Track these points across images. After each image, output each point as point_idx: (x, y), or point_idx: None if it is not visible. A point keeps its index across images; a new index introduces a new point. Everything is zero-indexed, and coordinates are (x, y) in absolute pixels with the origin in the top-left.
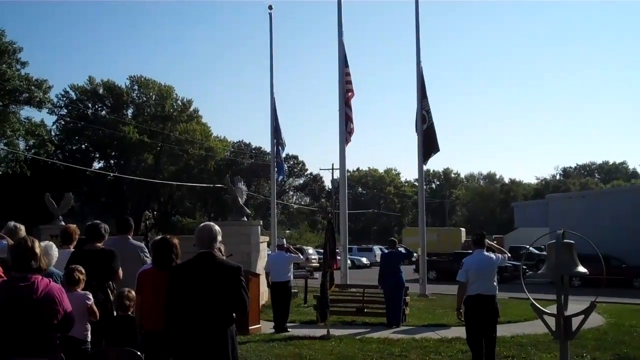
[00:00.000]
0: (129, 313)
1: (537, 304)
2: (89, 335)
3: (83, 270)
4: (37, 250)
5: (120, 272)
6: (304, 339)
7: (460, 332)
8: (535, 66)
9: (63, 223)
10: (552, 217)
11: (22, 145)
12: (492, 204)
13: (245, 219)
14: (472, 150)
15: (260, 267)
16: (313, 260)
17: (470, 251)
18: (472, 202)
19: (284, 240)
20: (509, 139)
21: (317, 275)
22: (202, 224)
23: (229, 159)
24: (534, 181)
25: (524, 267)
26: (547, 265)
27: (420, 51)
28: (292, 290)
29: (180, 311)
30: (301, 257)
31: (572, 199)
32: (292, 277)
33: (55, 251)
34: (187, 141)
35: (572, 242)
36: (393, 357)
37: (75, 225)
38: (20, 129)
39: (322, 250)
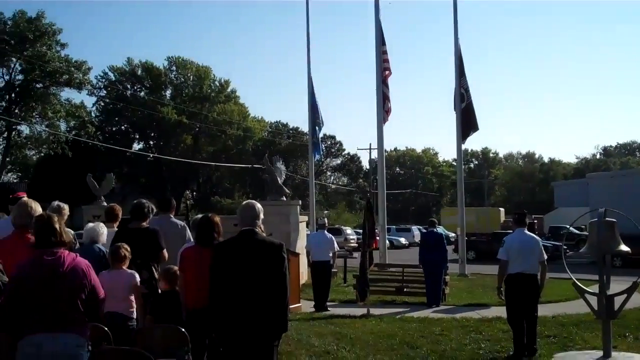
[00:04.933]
0: (175, 289)
1: (579, 283)
2: (135, 312)
3: (128, 248)
4: (56, 225)
5: (165, 251)
6: (344, 317)
7: (500, 311)
8: (576, 43)
9: (105, 203)
10: (592, 196)
11: (63, 126)
12: (531, 183)
13: (285, 199)
14: (511, 130)
15: (300, 246)
16: (351, 240)
17: (511, 230)
18: (511, 182)
19: (326, 219)
20: (549, 118)
21: (356, 255)
22: (244, 202)
23: (266, 140)
24: (573, 160)
25: (565, 247)
26: (588, 244)
27: (458, 28)
28: (333, 270)
29: (224, 288)
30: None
31: (613, 178)
32: (332, 256)
33: (104, 230)
34: (225, 122)
35: (614, 220)
36: (433, 336)
37: (118, 206)
38: (61, 110)
39: (360, 230)
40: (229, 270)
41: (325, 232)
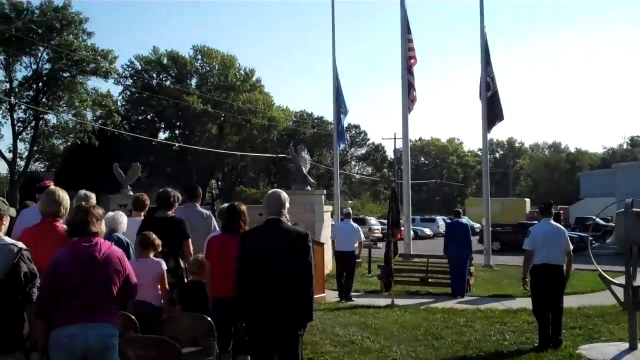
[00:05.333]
0: (201, 279)
1: (605, 275)
2: (161, 300)
3: (155, 237)
4: (95, 215)
5: (190, 241)
6: (369, 308)
7: (525, 303)
8: (602, 32)
9: (131, 192)
10: (619, 187)
11: (89, 115)
12: (557, 173)
13: (309, 188)
14: (537, 119)
15: (325, 236)
16: (376, 231)
17: (536, 221)
18: (537, 172)
19: (350, 209)
20: (575, 108)
21: (380, 245)
22: (270, 191)
23: (291, 129)
24: (600, 151)
25: (591, 238)
26: (615, 235)
27: (484, 16)
28: (357, 260)
29: (250, 277)
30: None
31: None
32: (358, 246)
33: (124, 219)
34: (250, 111)
35: None
36: (458, 327)
37: (146, 195)
38: (88, 99)
39: (384, 221)
40: (254, 258)
41: (351, 221)
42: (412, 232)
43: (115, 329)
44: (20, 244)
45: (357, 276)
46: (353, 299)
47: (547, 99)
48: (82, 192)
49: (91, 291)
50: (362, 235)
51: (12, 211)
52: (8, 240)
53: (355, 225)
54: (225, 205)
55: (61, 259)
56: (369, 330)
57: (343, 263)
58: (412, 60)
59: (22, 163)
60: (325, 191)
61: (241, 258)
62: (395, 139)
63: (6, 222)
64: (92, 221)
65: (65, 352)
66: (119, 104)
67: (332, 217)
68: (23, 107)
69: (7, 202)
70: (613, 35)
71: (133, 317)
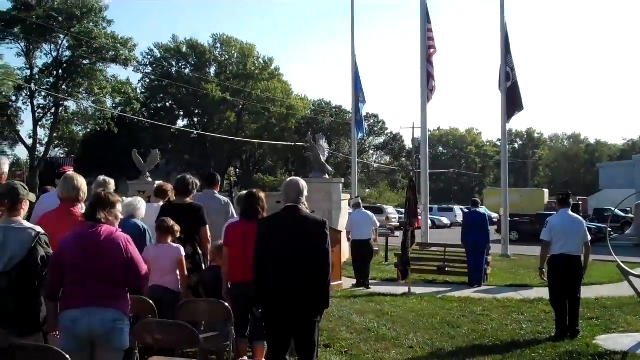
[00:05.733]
0: (219, 265)
1: (623, 266)
2: (179, 286)
3: (174, 223)
4: (107, 202)
5: (208, 227)
6: (385, 296)
7: (543, 293)
8: (622, 22)
9: (150, 179)
10: (638, 178)
11: (109, 102)
12: (576, 164)
13: (327, 177)
14: (557, 110)
15: (342, 224)
16: (393, 220)
17: (555, 212)
18: (556, 163)
19: (359, 199)
20: (595, 99)
21: (398, 234)
22: (289, 179)
23: (309, 118)
24: (620, 142)
25: (609, 229)
26: (634, 226)
27: (504, 6)
28: (374, 249)
29: (267, 263)
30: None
31: None
32: (374, 232)
33: (142, 205)
34: (268, 99)
35: None
36: (474, 316)
37: (169, 185)
38: (107, 86)
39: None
40: (272, 245)
41: (363, 210)
42: (429, 222)
43: (120, 314)
44: (39, 228)
45: (374, 264)
46: (370, 287)
47: (567, 89)
48: (101, 178)
49: (93, 276)
50: (377, 221)
51: (32, 196)
52: (27, 224)
53: (369, 213)
54: (244, 192)
55: (65, 244)
56: (385, 318)
57: (359, 252)
58: (432, 50)
59: (41, 149)
60: (343, 180)
61: (259, 244)
62: (413, 128)
63: (25, 206)
64: (98, 208)
65: (71, 335)
66: (138, 91)
67: (349, 205)
68: (43, 93)
69: (26, 187)
70: (634, 25)
71: (151, 301)
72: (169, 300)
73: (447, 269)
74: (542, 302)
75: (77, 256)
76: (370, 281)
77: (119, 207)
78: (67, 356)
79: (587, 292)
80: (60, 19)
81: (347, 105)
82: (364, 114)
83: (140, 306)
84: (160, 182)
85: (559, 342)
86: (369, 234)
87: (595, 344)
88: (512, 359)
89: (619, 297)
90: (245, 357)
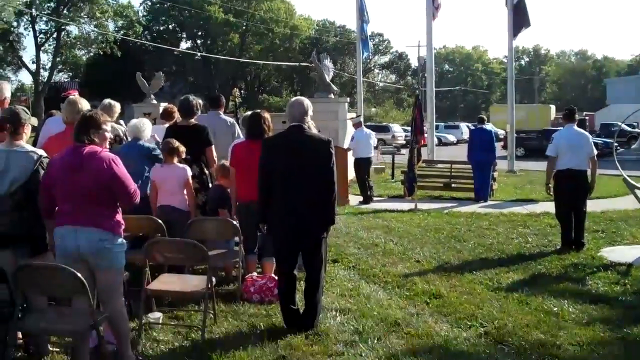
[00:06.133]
0: (225, 184)
1: (629, 179)
2: (187, 205)
3: (179, 144)
4: (92, 122)
5: (213, 147)
6: (392, 212)
7: (548, 207)
8: None
9: (154, 101)
10: None
11: (111, 26)
12: (583, 80)
13: (332, 96)
14: (564, 27)
15: (347, 143)
16: (399, 138)
17: (561, 127)
18: (563, 79)
19: (361, 117)
20: (603, 15)
21: (404, 151)
22: (293, 98)
23: (313, 38)
24: (628, 57)
25: (615, 144)
26: None
27: None
28: (380, 166)
29: (272, 180)
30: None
31: None
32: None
33: (147, 126)
34: (272, 20)
35: None
36: (480, 230)
37: (175, 107)
38: (109, 10)
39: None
40: (276, 164)
41: (364, 129)
42: (435, 139)
43: (107, 234)
44: (41, 152)
45: (380, 181)
46: (374, 199)
47: (574, 5)
48: (107, 101)
49: (77, 195)
50: (376, 139)
51: (34, 120)
52: (29, 147)
53: (368, 131)
54: (249, 113)
55: (52, 164)
56: (392, 233)
57: (363, 168)
58: None
59: (45, 74)
60: (348, 99)
61: (263, 163)
62: (419, 46)
63: (27, 130)
64: (83, 129)
65: (62, 252)
66: (140, 14)
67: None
68: (44, 18)
69: (28, 111)
70: None
71: (160, 221)
72: (178, 219)
73: (453, 185)
74: (548, 216)
75: (60, 176)
76: (377, 198)
77: (106, 127)
78: (78, 274)
79: (593, 206)
80: None
81: (352, 24)
82: (368, 33)
83: (149, 225)
84: (167, 104)
85: (564, 254)
86: (369, 152)
87: (600, 255)
88: (518, 271)
89: (625, 210)
90: (255, 273)
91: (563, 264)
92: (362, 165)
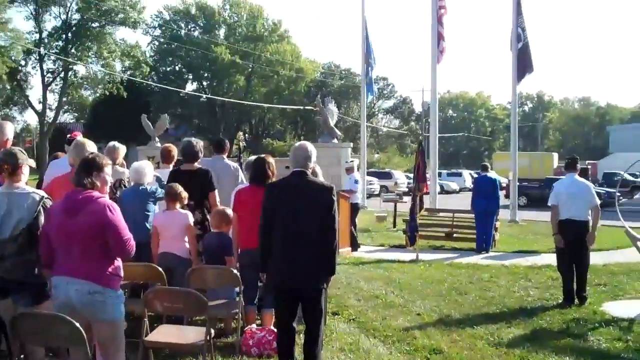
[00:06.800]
0: (223, 231)
1: (632, 231)
2: (188, 252)
3: (182, 189)
4: (92, 166)
5: (217, 192)
6: (393, 262)
7: (551, 259)
8: None
9: (159, 144)
10: None
11: (118, 66)
12: (586, 128)
13: (336, 141)
14: (567, 73)
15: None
16: (402, 185)
17: (563, 176)
18: (566, 126)
19: (354, 162)
20: (606, 62)
21: (406, 199)
22: (297, 143)
23: (319, 81)
24: (631, 105)
25: (618, 194)
26: None
27: None
28: (382, 214)
29: (274, 227)
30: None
31: None
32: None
33: (149, 169)
34: (278, 62)
35: None
36: (482, 282)
37: (174, 146)
38: (116, 50)
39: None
40: (278, 210)
41: (355, 174)
42: (438, 187)
43: (98, 287)
44: (42, 193)
45: (382, 230)
46: (358, 248)
47: (578, 52)
48: (112, 143)
49: (71, 242)
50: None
51: (31, 162)
52: (29, 189)
53: (357, 176)
54: (253, 157)
55: (52, 209)
56: (393, 284)
57: (354, 214)
58: (443, 11)
59: (51, 114)
60: (352, 144)
61: (265, 209)
62: (423, 91)
63: (26, 171)
64: (83, 172)
65: (57, 302)
66: (147, 54)
67: (358, 169)
68: (52, 57)
69: (25, 152)
70: None
71: (160, 269)
72: (178, 267)
73: (455, 234)
74: (550, 269)
75: (56, 223)
76: (379, 247)
77: (108, 170)
78: (77, 324)
79: (595, 258)
80: None
81: (357, 67)
82: (373, 77)
83: (149, 273)
84: (165, 145)
85: (566, 308)
86: (355, 198)
87: (603, 310)
88: (519, 326)
89: (627, 263)
90: (254, 325)
91: (565, 319)
92: (354, 210)
